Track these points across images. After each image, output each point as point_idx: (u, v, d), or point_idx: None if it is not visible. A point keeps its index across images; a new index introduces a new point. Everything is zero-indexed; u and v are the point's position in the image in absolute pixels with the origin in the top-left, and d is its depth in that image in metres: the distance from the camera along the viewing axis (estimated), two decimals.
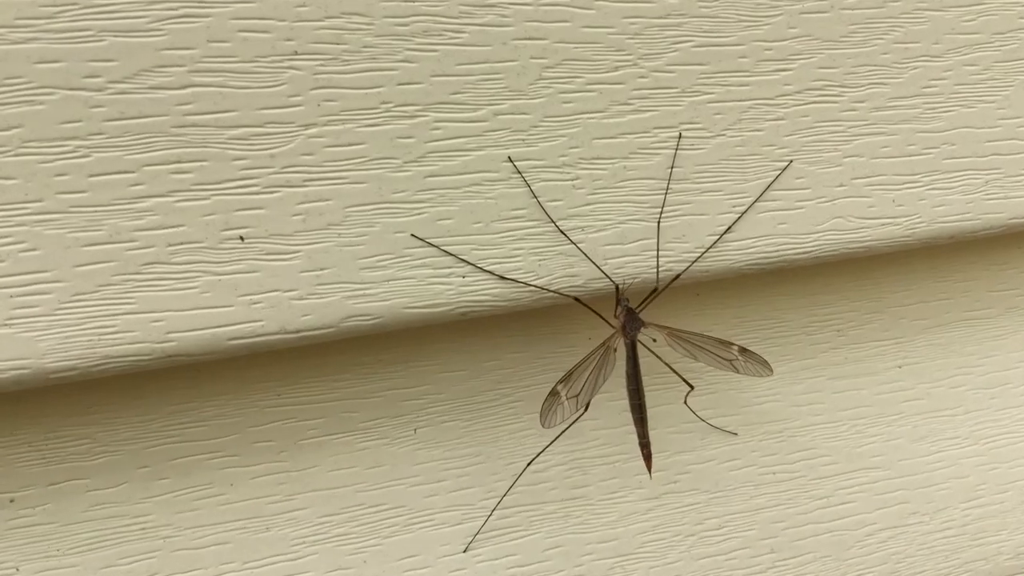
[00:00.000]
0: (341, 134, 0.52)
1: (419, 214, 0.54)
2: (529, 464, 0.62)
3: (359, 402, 0.60)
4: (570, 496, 0.65)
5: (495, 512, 0.63)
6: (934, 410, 0.73)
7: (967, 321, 0.73)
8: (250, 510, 0.59)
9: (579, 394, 0.58)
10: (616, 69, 0.56)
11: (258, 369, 0.57)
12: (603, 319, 0.60)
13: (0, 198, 0.47)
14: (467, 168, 0.55)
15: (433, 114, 0.53)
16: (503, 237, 0.56)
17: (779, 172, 0.60)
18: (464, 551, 0.62)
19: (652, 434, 0.61)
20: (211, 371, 0.56)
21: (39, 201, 0.48)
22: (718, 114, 0.59)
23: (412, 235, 0.54)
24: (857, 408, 0.71)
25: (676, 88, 0.58)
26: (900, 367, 0.72)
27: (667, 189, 0.58)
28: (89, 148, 0.48)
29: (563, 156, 0.56)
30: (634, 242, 0.58)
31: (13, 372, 0.48)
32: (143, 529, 0.57)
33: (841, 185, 0.62)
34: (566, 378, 0.57)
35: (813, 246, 0.62)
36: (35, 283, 0.48)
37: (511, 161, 0.55)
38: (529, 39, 0.55)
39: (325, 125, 0.52)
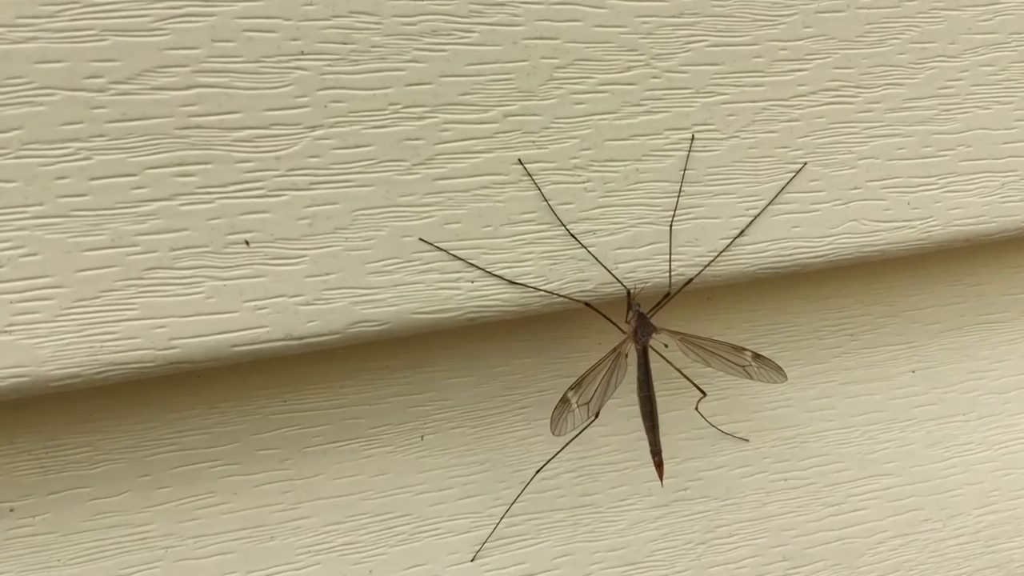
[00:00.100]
0: (348, 136, 0.51)
1: (427, 218, 0.53)
2: (538, 472, 0.61)
3: (365, 408, 0.59)
4: (579, 504, 0.64)
5: (503, 520, 0.62)
6: (947, 415, 0.72)
7: (981, 325, 0.72)
8: (253, 519, 0.58)
9: (590, 401, 0.57)
10: (628, 69, 0.55)
11: (262, 375, 0.56)
12: (614, 324, 0.59)
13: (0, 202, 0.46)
14: (476, 171, 0.54)
15: (442, 115, 0.52)
16: (513, 241, 0.55)
17: (793, 174, 0.59)
18: (472, 560, 0.61)
19: (662, 440, 0.60)
20: (214, 378, 0.55)
21: (39, 205, 0.46)
22: (732, 115, 0.58)
23: (420, 239, 0.53)
24: (870, 414, 0.70)
25: (689, 89, 0.57)
26: (913, 372, 0.71)
27: (679, 192, 0.57)
28: (91, 150, 0.47)
29: (574, 158, 0.55)
30: (646, 246, 0.57)
31: (12, 380, 0.47)
32: (144, 539, 0.56)
33: (856, 188, 0.61)
34: (576, 385, 0.56)
35: (827, 250, 0.61)
36: (35, 289, 0.47)
37: (521, 163, 0.54)
38: (540, 39, 0.53)
39: (332, 127, 0.51)
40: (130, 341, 0.49)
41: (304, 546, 0.58)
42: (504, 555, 0.62)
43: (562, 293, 0.56)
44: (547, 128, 0.55)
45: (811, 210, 0.60)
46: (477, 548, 0.61)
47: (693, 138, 0.57)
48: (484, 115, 0.53)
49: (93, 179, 0.47)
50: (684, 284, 0.58)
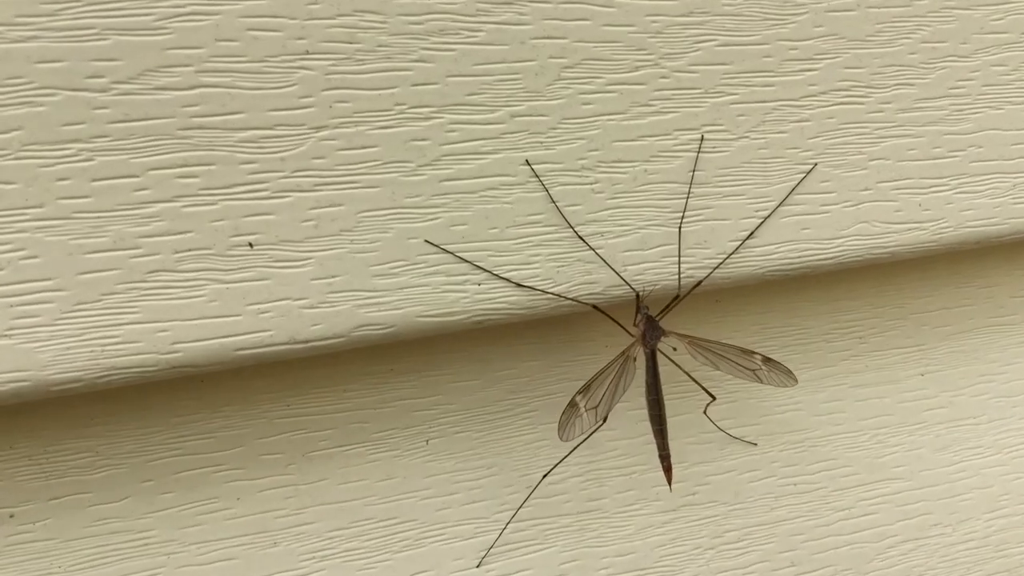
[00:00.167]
0: (354, 137, 0.50)
1: (433, 219, 0.52)
2: (545, 476, 0.60)
3: (370, 413, 0.58)
4: (586, 509, 0.63)
5: (509, 525, 0.61)
6: (957, 419, 0.71)
7: (991, 327, 0.72)
8: (257, 525, 0.57)
9: (598, 405, 0.56)
10: (637, 69, 0.55)
11: (266, 379, 0.56)
12: (622, 327, 0.58)
13: None
14: (483, 172, 0.53)
15: (449, 116, 0.52)
16: (520, 243, 0.54)
17: (803, 175, 0.58)
18: (477, 566, 0.61)
19: (670, 445, 0.59)
20: (217, 382, 0.54)
21: (40, 207, 0.46)
22: (741, 116, 0.57)
23: (426, 241, 0.52)
24: (879, 417, 0.69)
25: (698, 89, 0.56)
26: (923, 375, 0.70)
27: (688, 193, 0.57)
28: (92, 151, 0.46)
29: (582, 159, 0.55)
30: (654, 248, 0.57)
31: (13, 385, 0.47)
32: (146, 545, 0.55)
33: (866, 189, 0.60)
34: (584, 389, 0.56)
35: (838, 252, 0.60)
36: (36, 292, 0.46)
37: (528, 164, 0.54)
38: (548, 38, 0.53)
39: (337, 127, 0.50)
40: (132, 345, 0.48)
41: (308, 552, 0.58)
42: (510, 561, 0.61)
43: (570, 296, 0.55)
44: (555, 129, 0.54)
45: (821, 211, 0.59)
46: (483, 554, 0.61)
47: (702, 139, 0.56)
48: (491, 115, 0.53)
49: (95, 180, 0.46)
50: (693, 287, 0.57)
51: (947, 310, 0.70)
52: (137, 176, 0.47)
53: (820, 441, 0.68)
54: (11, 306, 0.46)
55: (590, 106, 0.54)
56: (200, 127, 0.48)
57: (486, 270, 0.54)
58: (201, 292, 0.49)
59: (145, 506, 0.55)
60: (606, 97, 0.54)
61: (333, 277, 0.51)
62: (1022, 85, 0.62)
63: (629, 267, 0.56)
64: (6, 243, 0.45)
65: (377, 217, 0.51)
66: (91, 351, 0.47)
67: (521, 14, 0.52)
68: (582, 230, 0.55)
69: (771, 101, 0.57)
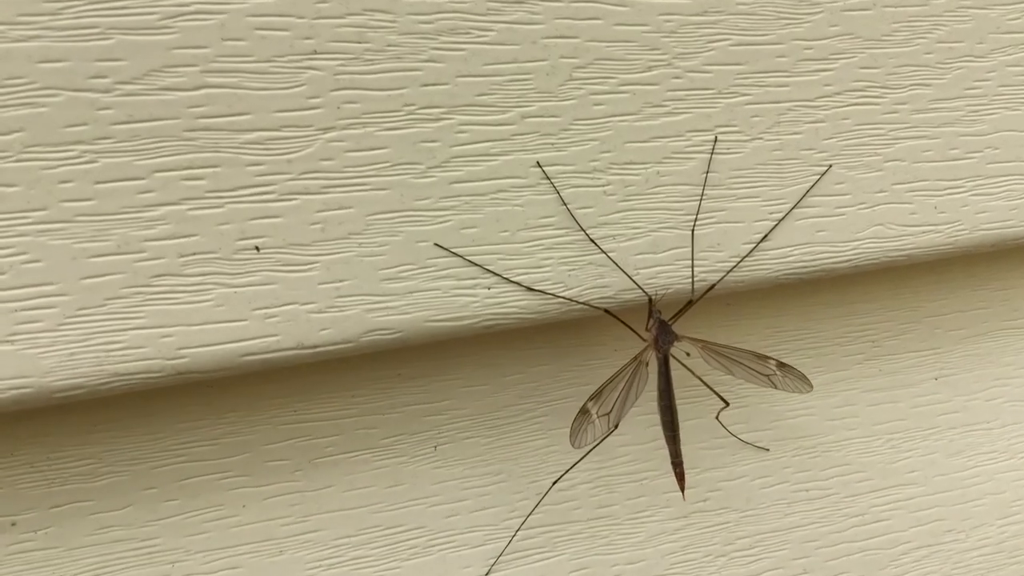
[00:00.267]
0: (362, 138, 0.49)
1: (443, 222, 0.51)
2: (555, 483, 0.60)
3: (377, 418, 0.57)
4: (596, 515, 0.62)
5: (518, 533, 0.60)
6: (970, 423, 0.70)
7: (1005, 331, 0.71)
8: (262, 532, 0.56)
9: (610, 412, 0.55)
10: (650, 69, 0.54)
11: (272, 384, 0.55)
12: (634, 332, 0.57)
13: (1, 207, 0.44)
14: (494, 174, 0.52)
15: (459, 117, 0.51)
16: (531, 246, 0.53)
17: (818, 177, 0.58)
18: (486, 574, 0.60)
19: (681, 450, 0.58)
20: (223, 387, 0.54)
21: (43, 210, 0.45)
22: (755, 116, 0.56)
23: (436, 244, 0.51)
24: (892, 422, 0.68)
25: (712, 89, 0.55)
26: (936, 379, 0.69)
27: (702, 195, 0.56)
28: (96, 153, 0.45)
29: (594, 161, 0.54)
30: (667, 251, 0.56)
31: (14, 391, 0.46)
32: (150, 554, 0.54)
33: (882, 191, 0.59)
34: (596, 395, 0.55)
35: (853, 254, 0.59)
36: (38, 297, 0.45)
37: (540, 166, 0.53)
38: (560, 37, 0.52)
39: (345, 128, 0.49)
40: (136, 351, 0.47)
41: (314, 560, 0.57)
42: (519, 569, 0.61)
43: (581, 300, 0.54)
44: (566, 130, 0.53)
45: (836, 214, 0.58)
46: (492, 562, 0.60)
47: (716, 140, 0.56)
48: (502, 116, 0.52)
49: (98, 183, 0.46)
50: (706, 290, 0.57)
51: (961, 313, 0.69)
52: (141, 178, 0.46)
53: (833, 446, 0.67)
54: (13, 311, 0.45)
55: (602, 107, 0.53)
56: (206, 128, 0.47)
57: (496, 274, 0.53)
58: (207, 297, 0.48)
59: (149, 514, 0.54)
60: (618, 98, 0.53)
61: (341, 281, 0.50)
62: None
63: (641, 270, 0.55)
64: (8, 247, 0.45)
65: (386, 220, 0.50)
66: (94, 357, 0.47)
67: (533, 13, 0.51)
68: (594, 233, 0.54)
69: (785, 102, 0.56)
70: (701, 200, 0.56)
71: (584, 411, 0.54)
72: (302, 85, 0.48)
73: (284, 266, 0.49)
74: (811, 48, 0.56)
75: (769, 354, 0.59)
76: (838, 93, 0.57)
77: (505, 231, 0.53)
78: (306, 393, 0.56)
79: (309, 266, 0.49)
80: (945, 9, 0.59)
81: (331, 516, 0.57)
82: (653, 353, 0.57)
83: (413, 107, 0.50)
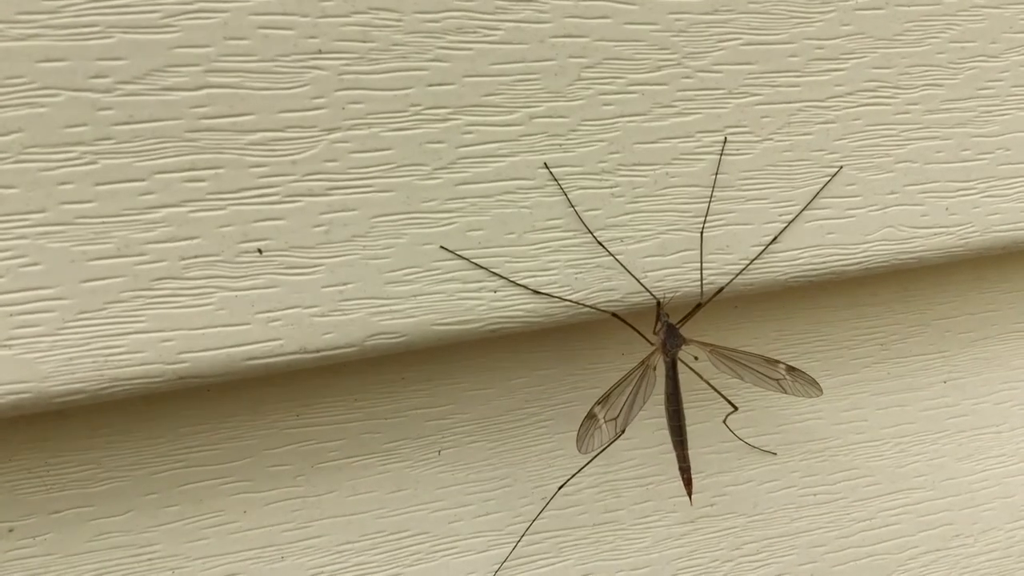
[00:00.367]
0: (367, 139, 0.48)
1: (449, 224, 0.51)
2: (560, 488, 0.59)
3: (380, 423, 0.57)
4: (602, 520, 0.61)
5: (523, 538, 0.59)
6: (979, 427, 0.69)
7: (1014, 334, 0.70)
8: (264, 538, 0.55)
9: (617, 417, 0.54)
10: (659, 69, 0.53)
11: (274, 388, 0.54)
12: (642, 336, 0.56)
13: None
14: (500, 175, 0.51)
15: (465, 117, 0.50)
16: (537, 249, 0.52)
17: (828, 179, 0.57)
18: None
19: (689, 455, 0.57)
20: (224, 391, 0.53)
21: (42, 212, 0.44)
22: (765, 117, 0.55)
23: (441, 247, 0.51)
24: (900, 426, 0.67)
25: (722, 89, 0.54)
26: (945, 382, 0.68)
27: (711, 197, 0.55)
28: (96, 154, 0.45)
29: (602, 162, 0.53)
30: (675, 253, 0.55)
31: (13, 397, 0.45)
32: (150, 560, 0.53)
33: (893, 192, 0.58)
34: (603, 399, 0.54)
35: (863, 257, 0.58)
36: (37, 300, 0.45)
37: (547, 168, 0.52)
38: (568, 37, 0.51)
39: (350, 129, 0.48)
40: (137, 355, 0.47)
41: (316, 566, 0.56)
42: (524, 575, 0.60)
43: (588, 303, 0.54)
44: (574, 131, 0.52)
45: (846, 216, 0.58)
46: (496, 567, 0.59)
47: (725, 141, 0.55)
48: (509, 117, 0.51)
49: (98, 184, 0.45)
50: (715, 293, 0.56)
51: (971, 316, 0.69)
52: (142, 180, 0.45)
53: (841, 450, 0.66)
54: (11, 315, 0.44)
55: (611, 107, 0.52)
56: (208, 129, 0.46)
57: (502, 276, 0.52)
58: (209, 300, 0.47)
59: (149, 520, 0.53)
60: (627, 98, 0.53)
61: (345, 284, 0.49)
62: None
63: (649, 273, 0.55)
64: (6, 250, 0.44)
65: (391, 222, 0.50)
66: (94, 361, 0.46)
67: (540, 12, 0.50)
68: (601, 235, 0.53)
69: (796, 102, 0.56)
70: (710, 202, 0.55)
71: (591, 416, 0.54)
72: (306, 85, 0.47)
73: (287, 269, 0.48)
74: (822, 48, 0.56)
75: (777, 358, 0.58)
76: (849, 93, 0.57)
77: (512, 233, 0.52)
78: (309, 397, 0.55)
79: (313, 269, 0.49)
80: (958, 8, 0.58)
81: (333, 522, 0.56)
82: (661, 357, 0.56)
83: (419, 107, 0.49)
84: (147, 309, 0.46)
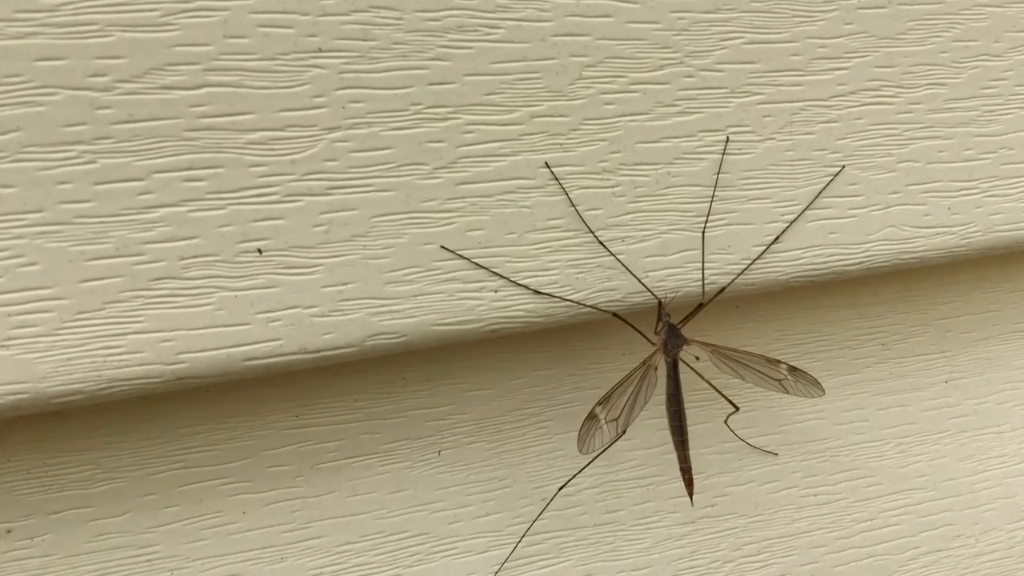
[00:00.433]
0: (367, 138, 0.48)
1: (449, 224, 0.50)
2: (561, 489, 0.59)
3: (380, 423, 0.56)
4: (602, 521, 0.61)
5: (523, 539, 0.59)
6: (981, 427, 0.69)
7: (1016, 334, 0.70)
8: (263, 539, 0.55)
9: (618, 417, 0.54)
10: (661, 68, 0.53)
11: (274, 389, 0.54)
12: (643, 336, 0.56)
13: None
14: (501, 175, 0.51)
15: (466, 116, 0.50)
16: (538, 248, 0.52)
17: (831, 178, 0.57)
18: None
19: (690, 455, 0.57)
20: (223, 392, 0.53)
21: (40, 211, 0.44)
22: (768, 116, 0.55)
23: (441, 247, 0.50)
24: (902, 426, 0.67)
25: (724, 88, 0.54)
26: (946, 382, 0.68)
27: (712, 197, 0.55)
28: (94, 154, 0.44)
29: (603, 162, 0.53)
30: (677, 253, 0.55)
31: (11, 397, 0.45)
32: (149, 561, 0.53)
33: (895, 192, 0.58)
34: (604, 400, 0.54)
35: (864, 256, 0.58)
36: (35, 300, 0.44)
37: (548, 167, 0.52)
38: (569, 35, 0.51)
39: (350, 128, 0.48)
40: (135, 355, 0.46)
41: (316, 567, 0.56)
42: (524, 575, 0.60)
43: (589, 303, 0.53)
44: (575, 130, 0.52)
45: (849, 215, 0.57)
46: (496, 568, 0.59)
47: (727, 140, 0.55)
48: (510, 116, 0.51)
49: (97, 184, 0.45)
50: (716, 293, 0.55)
51: (972, 316, 0.68)
52: (141, 179, 0.45)
53: (842, 451, 0.66)
54: (9, 315, 0.44)
55: (612, 106, 0.52)
56: (207, 128, 0.46)
57: (503, 276, 0.52)
58: (208, 300, 0.47)
59: (148, 520, 0.53)
60: (629, 97, 0.52)
61: (345, 284, 0.49)
62: None
63: (650, 273, 0.54)
64: (4, 249, 0.44)
65: (391, 222, 0.49)
66: (93, 362, 0.46)
67: (542, 10, 0.50)
68: (602, 235, 0.53)
69: (799, 101, 0.55)
70: (712, 201, 0.55)
71: (592, 416, 0.53)
72: (306, 84, 0.47)
73: (287, 269, 0.48)
74: (825, 47, 0.55)
75: (779, 358, 0.58)
76: (852, 92, 0.56)
77: (512, 233, 0.52)
78: (308, 398, 0.55)
79: (312, 269, 0.48)
80: (961, 7, 0.58)
81: (333, 522, 0.56)
82: (662, 357, 0.56)
83: (419, 106, 0.49)
84: (146, 309, 0.46)
